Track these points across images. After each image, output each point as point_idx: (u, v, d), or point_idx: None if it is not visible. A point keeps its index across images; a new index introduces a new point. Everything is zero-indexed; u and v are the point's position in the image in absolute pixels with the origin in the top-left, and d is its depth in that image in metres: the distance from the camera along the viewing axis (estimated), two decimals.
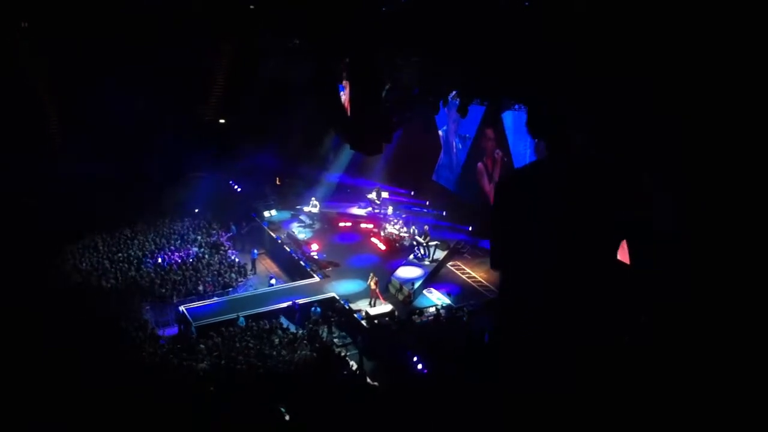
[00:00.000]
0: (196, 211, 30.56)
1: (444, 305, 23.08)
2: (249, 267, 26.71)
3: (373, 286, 23.34)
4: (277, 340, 19.57)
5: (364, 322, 21.65)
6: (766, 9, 4.28)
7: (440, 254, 26.83)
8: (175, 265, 25.67)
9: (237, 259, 27.07)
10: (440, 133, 31.79)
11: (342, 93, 18.82)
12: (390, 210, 30.76)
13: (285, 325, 21.20)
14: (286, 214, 32.15)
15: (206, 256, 26.65)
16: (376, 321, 21.73)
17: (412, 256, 26.80)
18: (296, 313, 22.03)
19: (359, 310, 22.53)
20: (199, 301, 22.90)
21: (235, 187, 33.28)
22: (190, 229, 29.10)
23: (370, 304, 23.07)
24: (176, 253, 26.72)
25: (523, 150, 26.23)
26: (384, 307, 22.74)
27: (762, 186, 4.50)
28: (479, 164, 29.29)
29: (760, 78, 4.37)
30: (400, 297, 24.15)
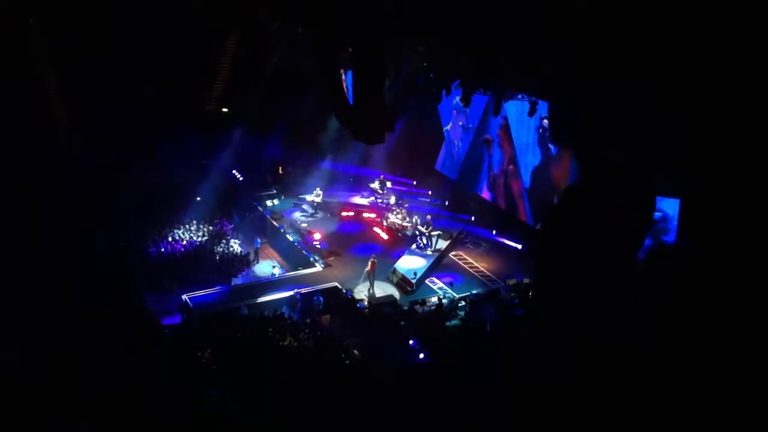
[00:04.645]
0: (198, 199, 30.53)
1: (446, 295, 23.15)
2: (252, 256, 26.77)
3: (368, 267, 23.52)
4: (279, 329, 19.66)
5: (366, 311, 21.76)
6: (765, 9, 4.26)
7: (443, 244, 26.87)
8: (178, 254, 25.71)
9: (240, 248, 27.12)
10: (444, 129, 31.71)
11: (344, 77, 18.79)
12: (392, 200, 30.77)
13: (287, 315, 21.28)
14: (288, 204, 32.17)
15: (209, 245, 26.69)
16: (377, 310, 21.82)
17: (414, 246, 26.84)
18: (298, 302, 22.10)
19: (361, 300, 22.63)
20: (201, 290, 22.96)
21: (238, 176, 33.26)
22: (194, 217, 29.12)
23: (369, 289, 23.31)
24: (179, 242, 26.78)
25: (525, 140, 26.19)
26: (384, 297, 22.91)
27: (763, 186, 4.48)
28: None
29: (761, 78, 4.35)
30: (394, 279, 24.26)
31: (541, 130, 25.22)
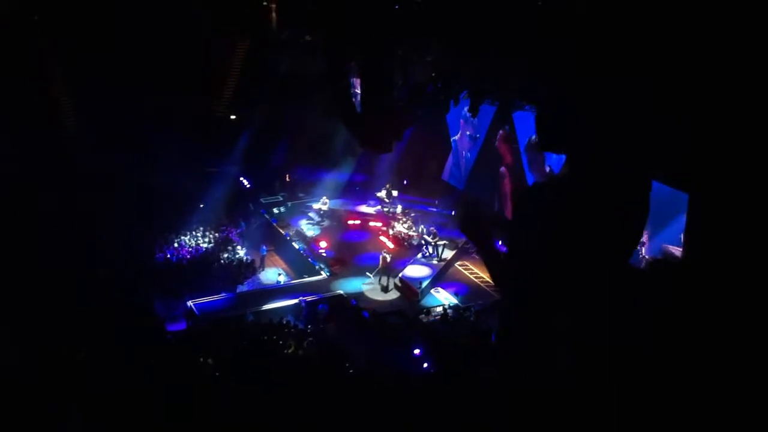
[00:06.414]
0: (201, 206, 30.45)
1: (451, 305, 23.05)
2: (257, 263, 26.76)
3: (381, 263, 23.66)
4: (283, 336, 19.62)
5: (370, 320, 21.69)
6: (766, 9, 4.22)
7: (448, 253, 26.80)
8: (184, 260, 25.72)
9: (246, 256, 27.12)
10: (452, 139, 31.70)
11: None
12: (399, 208, 30.76)
13: (292, 322, 21.25)
14: (295, 211, 32.20)
15: (215, 251, 26.69)
16: (382, 319, 21.76)
17: (420, 255, 26.79)
18: (303, 310, 22.06)
19: (366, 308, 22.57)
20: (207, 296, 22.94)
21: (245, 183, 33.32)
22: (200, 224, 29.16)
23: (380, 281, 23.90)
24: (185, 248, 26.81)
25: None
26: (390, 306, 22.91)
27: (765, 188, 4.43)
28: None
29: (762, 78, 4.31)
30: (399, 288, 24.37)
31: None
